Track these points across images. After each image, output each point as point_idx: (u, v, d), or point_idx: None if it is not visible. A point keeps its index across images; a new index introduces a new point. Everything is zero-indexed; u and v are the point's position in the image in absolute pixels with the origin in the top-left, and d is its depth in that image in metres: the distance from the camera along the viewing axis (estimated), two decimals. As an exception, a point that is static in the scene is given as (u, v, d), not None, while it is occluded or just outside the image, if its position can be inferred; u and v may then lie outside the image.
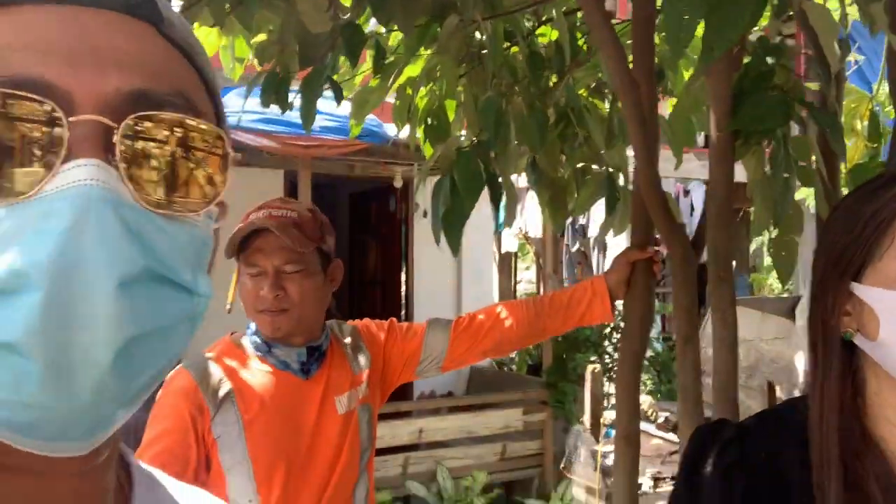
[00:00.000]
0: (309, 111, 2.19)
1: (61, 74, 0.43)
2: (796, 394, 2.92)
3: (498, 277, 9.41)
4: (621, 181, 2.44)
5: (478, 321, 1.98)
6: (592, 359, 6.07)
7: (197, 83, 0.51)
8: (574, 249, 9.94)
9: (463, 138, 2.46)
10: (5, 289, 0.41)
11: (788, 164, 1.51)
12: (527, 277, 13.15)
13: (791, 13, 1.66)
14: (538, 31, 2.69)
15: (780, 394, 2.67)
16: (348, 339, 1.88)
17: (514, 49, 2.54)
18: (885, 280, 0.87)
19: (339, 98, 2.32)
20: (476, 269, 7.60)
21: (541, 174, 2.64)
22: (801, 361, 2.92)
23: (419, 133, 2.60)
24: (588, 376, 3.54)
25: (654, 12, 1.93)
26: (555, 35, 2.59)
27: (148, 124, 0.45)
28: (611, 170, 2.44)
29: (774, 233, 1.72)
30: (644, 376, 7.21)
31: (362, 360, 1.87)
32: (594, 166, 2.46)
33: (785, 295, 4.79)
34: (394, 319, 2.03)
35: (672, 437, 2.97)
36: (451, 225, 2.04)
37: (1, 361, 0.41)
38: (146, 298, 0.44)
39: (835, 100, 1.61)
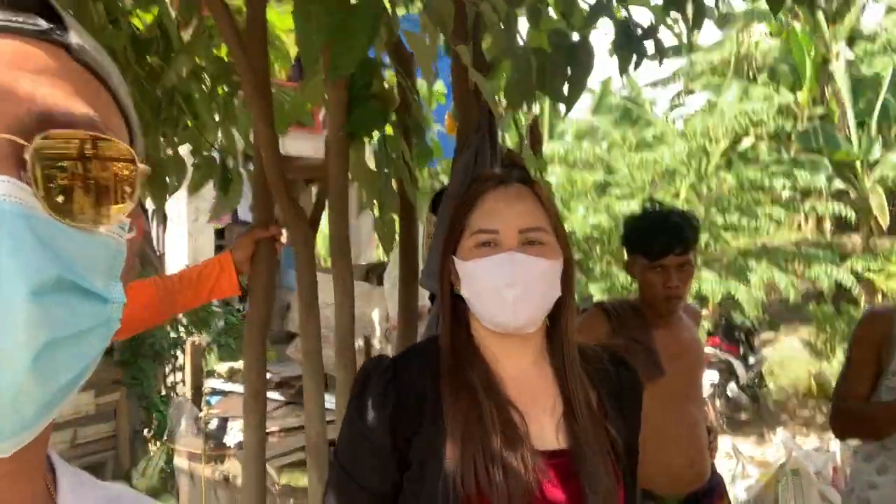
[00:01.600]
0: None
1: None
2: (375, 342, 3.46)
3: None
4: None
5: None
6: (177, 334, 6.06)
7: (108, 102, 0.54)
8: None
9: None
10: None
11: (388, 160, 1.89)
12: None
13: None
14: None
15: (362, 344, 3.15)
16: None
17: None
18: (462, 253, 1.31)
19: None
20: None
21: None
22: (376, 316, 3.44)
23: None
24: (189, 349, 3.66)
25: (265, 12, 2.17)
26: (149, 18, 2.64)
27: (58, 142, 0.48)
28: (219, 152, 2.61)
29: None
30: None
31: None
32: (204, 151, 2.60)
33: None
34: None
35: (276, 395, 3.28)
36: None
37: None
38: (60, 305, 0.47)
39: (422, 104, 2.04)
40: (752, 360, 9.65)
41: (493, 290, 1.25)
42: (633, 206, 9.36)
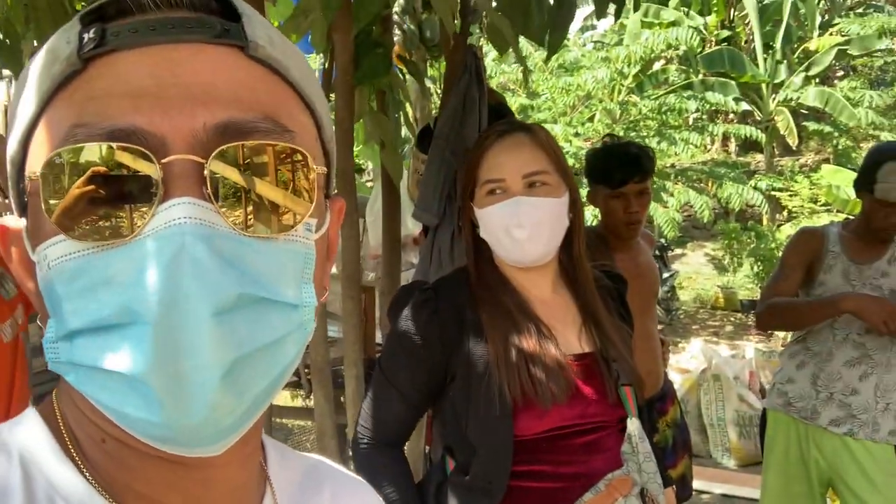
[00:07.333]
0: None
1: (152, 120, 0.46)
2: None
3: None
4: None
5: None
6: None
7: (287, 98, 0.53)
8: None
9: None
10: (119, 323, 0.45)
11: (396, 105, 2.03)
12: None
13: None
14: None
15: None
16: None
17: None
18: (477, 202, 1.51)
19: None
20: None
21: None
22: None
23: None
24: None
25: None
26: None
27: (235, 154, 0.47)
28: None
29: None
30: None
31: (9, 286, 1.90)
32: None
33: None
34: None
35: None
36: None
37: (129, 388, 0.46)
38: (246, 321, 0.47)
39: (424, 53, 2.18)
40: (665, 274, 10.23)
41: (504, 231, 1.44)
42: (555, 131, 9.59)
